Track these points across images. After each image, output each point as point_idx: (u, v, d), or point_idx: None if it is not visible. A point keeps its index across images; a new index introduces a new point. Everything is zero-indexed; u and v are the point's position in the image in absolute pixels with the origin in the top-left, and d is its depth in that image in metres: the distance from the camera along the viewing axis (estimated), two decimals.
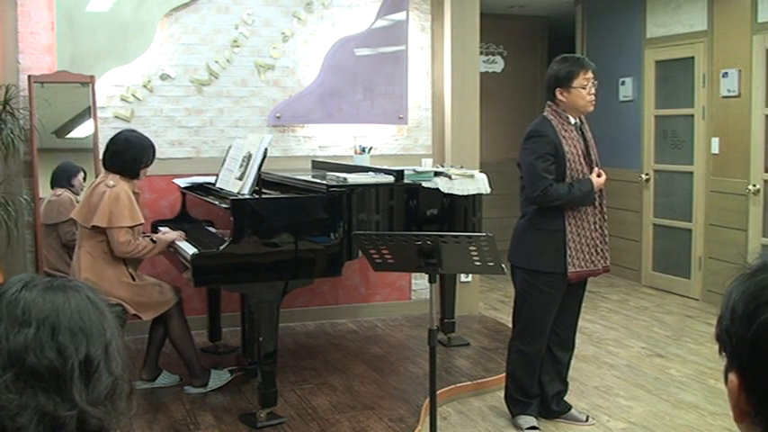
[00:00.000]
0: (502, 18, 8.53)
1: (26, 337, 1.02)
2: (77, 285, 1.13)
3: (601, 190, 3.99)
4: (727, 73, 6.38)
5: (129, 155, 4.26)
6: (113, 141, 4.33)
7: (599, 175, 3.93)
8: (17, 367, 1.00)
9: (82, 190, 5.13)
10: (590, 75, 3.91)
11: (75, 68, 5.26)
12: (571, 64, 3.91)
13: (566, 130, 3.90)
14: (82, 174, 5.21)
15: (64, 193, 5.11)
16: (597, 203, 3.97)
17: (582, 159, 3.90)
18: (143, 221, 4.27)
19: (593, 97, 3.92)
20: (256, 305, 3.99)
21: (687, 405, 4.44)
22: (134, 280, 4.29)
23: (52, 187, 5.17)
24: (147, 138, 4.43)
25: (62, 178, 5.17)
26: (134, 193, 4.28)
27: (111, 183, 4.18)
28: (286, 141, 5.93)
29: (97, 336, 1.07)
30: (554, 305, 3.99)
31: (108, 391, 1.05)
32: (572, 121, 3.94)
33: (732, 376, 0.99)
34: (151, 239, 4.32)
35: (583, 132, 3.99)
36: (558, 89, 3.91)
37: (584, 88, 3.88)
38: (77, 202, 4.94)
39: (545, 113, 3.96)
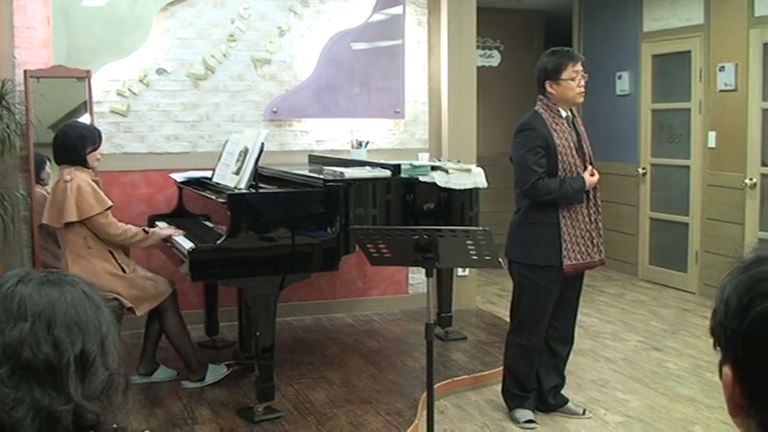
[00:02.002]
0: (499, 12, 8.52)
1: (22, 332, 1.02)
2: (73, 280, 1.13)
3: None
4: (723, 67, 6.38)
5: (68, 144, 4.24)
6: (54, 137, 4.36)
7: (592, 174, 3.94)
8: (13, 362, 1.00)
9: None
10: (579, 67, 3.93)
11: (71, 63, 5.25)
12: (560, 56, 3.94)
13: (557, 123, 3.91)
14: (48, 164, 5.18)
15: (36, 190, 5.10)
16: (591, 196, 3.99)
17: (574, 152, 3.91)
18: (111, 204, 4.25)
19: (582, 89, 3.94)
20: (253, 299, 3.99)
21: (684, 398, 4.45)
22: (124, 271, 4.28)
23: None
24: (86, 125, 4.45)
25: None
26: (95, 181, 4.27)
27: (68, 177, 4.17)
28: (283, 136, 5.93)
29: (93, 330, 1.06)
30: (551, 299, 3.99)
31: (104, 386, 1.05)
32: (563, 114, 3.95)
33: (726, 369, 0.99)
34: (143, 230, 4.33)
35: (575, 126, 4.00)
36: (547, 82, 3.94)
37: (573, 80, 3.90)
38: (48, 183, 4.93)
39: (536, 107, 3.99)
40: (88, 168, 4.29)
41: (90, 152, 4.28)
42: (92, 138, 4.30)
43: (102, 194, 4.22)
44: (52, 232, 5.02)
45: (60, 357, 1.02)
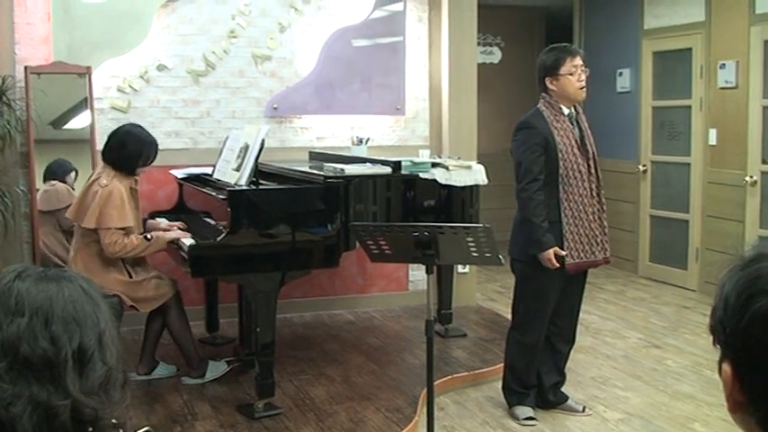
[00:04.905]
0: (499, 9, 8.51)
1: (19, 327, 1.02)
2: (71, 275, 1.13)
3: (598, 179, 3.98)
4: (724, 64, 6.37)
5: (127, 150, 4.22)
6: (114, 134, 4.31)
7: (549, 260, 3.79)
8: (10, 357, 1.00)
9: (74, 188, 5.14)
10: (578, 61, 3.90)
11: (71, 59, 5.25)
12: (558, 52, 3.93)
13: (558, 121, 3.89)
14: (74, 173, 5.21)
15: (58, 183, 5.12)
16: (595, 194, 3.97)
17: (576, 150, 3.89)
18: (131, 224, 4.19)
19: (582, 83, 3.91)
20: (254, 296, 3.99)
21: (684, 396, 4.45)
22: (131, 277, 4.27)
23: (45, 181, 5.18)
24: (149, 135, 4.36)
25: (56, 173, 5.18)
26: (131, 189, 4.25)
27: (104, 182, 4.14)
28: (283, 132, 5.92)
29: (91, 325, 1.06)
30: (553, 297, 3.99)
31: (102, 381, 1.05)
32: (565, 111, 3.93)
33: (726, 366, 0.99)
34: (145, 237, 4.27)
35: (578, 123, 3.98)
36: (547, 78, 3.92)
37: (572, 75, 3.88)
38: (73, 189, 4.96)
39: (538, 105, 3.97)
40: (131, 176, 4.29)
41: (141, 165, 4.29)
42: (147, 153, 4.28)
43: (127, 211, 4.14)
44: (62, 221, 5.03)
45: (58, 353, 1.02)
